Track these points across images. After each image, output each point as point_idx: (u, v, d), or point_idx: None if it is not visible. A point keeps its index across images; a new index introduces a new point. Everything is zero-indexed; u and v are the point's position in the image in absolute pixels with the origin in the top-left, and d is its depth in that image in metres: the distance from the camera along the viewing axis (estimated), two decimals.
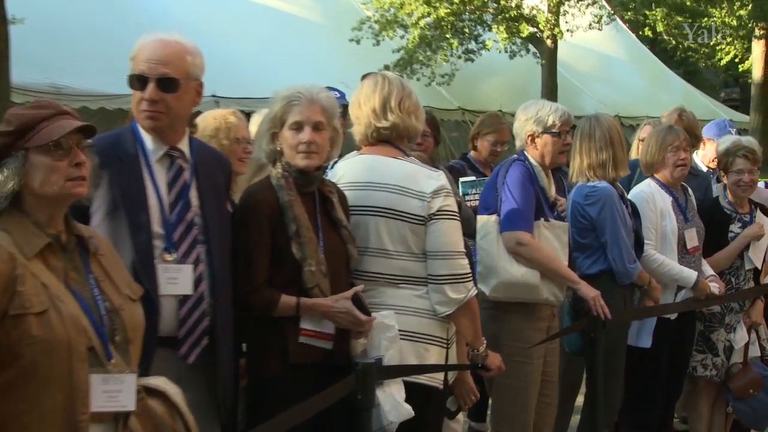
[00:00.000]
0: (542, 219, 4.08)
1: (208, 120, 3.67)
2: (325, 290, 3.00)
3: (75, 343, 2.16)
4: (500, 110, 18.66)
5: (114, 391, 2.20)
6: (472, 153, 5.72)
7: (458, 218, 3.24)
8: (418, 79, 17.07)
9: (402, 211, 3.15)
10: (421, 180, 3.17)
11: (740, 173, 4.99)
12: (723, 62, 27.70)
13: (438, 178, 3.19)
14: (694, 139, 5.39)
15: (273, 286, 3.00)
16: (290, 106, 3.08)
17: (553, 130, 4.14)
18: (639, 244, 4.56)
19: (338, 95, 3.78)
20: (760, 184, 5.65)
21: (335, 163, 3.39)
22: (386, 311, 3.06)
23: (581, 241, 4.45)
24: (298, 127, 3.07)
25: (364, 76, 3.37)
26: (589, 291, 4.18)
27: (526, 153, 4.20)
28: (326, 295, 3.00)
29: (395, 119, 3.24)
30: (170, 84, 2.84)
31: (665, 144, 4.72)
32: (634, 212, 4.59)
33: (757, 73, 24.84)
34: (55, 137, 2.24)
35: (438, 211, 3.16)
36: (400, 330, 3.14)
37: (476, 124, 5.86)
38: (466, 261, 3.24)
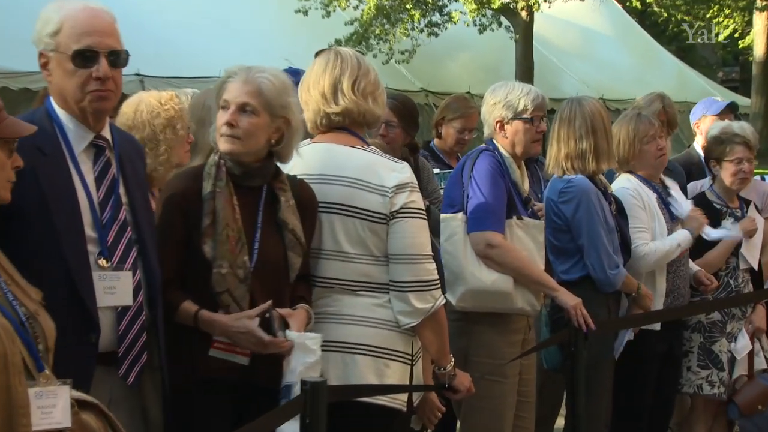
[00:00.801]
0: (515, 217, 4.11)
1: (152, 105, 3.58)
2: (238, 298, 3.01)
3: (11, 353, 2.17)
4: (468, 92, 18.71)
5: (48, 406, 2.22)
6: (435, 141, 5.75)
7: (424, 217, 3.26)
8: (374, 56, 17.10)
9: (360, 208, 3.17)
10: (382, 172, 3.17)
11: (739, 162, 5.08)
12: (721, 37, 28.18)
13: (402, 171, 3.20)
14: (670, 128, 5.50)
15: (185, 288, 3.03)
16: (225, 83, 3.11)
17: (525, 116, 4.17)
18: (626, 247, 4.61)
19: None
20: (756, 177, 5.77)
21: None
22: (314, 334, 3.06)
23: (556, 243, 4.50)
24: (224, 106, 3.08)
25: (317, 54, 3.38)
26: (569, 299, 4.21)
27: (495, 142, 4.23)
28: (240, 304, 3.00)
29: (348, 104, 3.24)
30: (118, 58, 2.83)
31: (639, 136, 4.79)
32: (620, 210, 4.64)
33: (759, 50, 25.27)
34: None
35: (402, 208, 3.16)
36: (357, 343, 3.16)
37: (440, 107, 5.89)
38: (433, 266, 3.25)
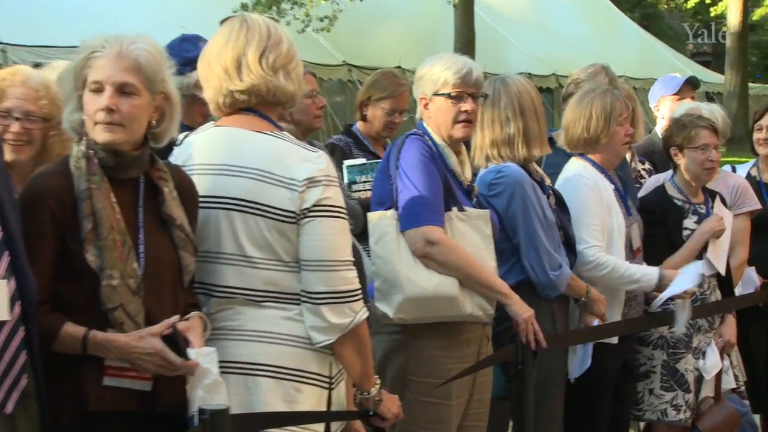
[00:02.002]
0: (455, 209, 4.12)
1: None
2: (133, 313, 2.97)
3: None
4: (399, 67, 18.74)
5: None
6: (359, 125, 5.73)
7: (344, 215, 3.24)
8: (288, 24, 17.04)
9: (265, 204, 3.17)
10: (291, 163, 3.16)
11: (705, 149, 5.16)
12: (690, 4, 28.70)
13: (315, 161, 3.18)
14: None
15: (67, 307, 2.98)
16: (92, 60, 3.05)
17: (444, 92, 4.22)
18: (570, 246, 4.65)
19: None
20: (725, 167, 5.90)
21: (186, 137, 3.36)
22: (206, 348, 3.02)
23: None
24: (97, 88, 3.05)
25: (222, 22, 3.33)
26: (522, 309, 4.21)
27: (424, 125, 4.27)
28: (135, 320, 2.97)
29: (254, 80, 3.22)
30: None
31: (615, 114, 4.82)
32: (559, 203, 4.68)
33: (733, 19, 25.85)
34: None
35: (315, 205, 3.14)
36: (261, 364, 3.15)
37: (365, 85, 5.87)
38: (353, 274, 3.22)
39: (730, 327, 5.22)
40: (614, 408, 4.92)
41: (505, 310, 4.21)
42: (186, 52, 4.20)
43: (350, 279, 3.18)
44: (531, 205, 4.41)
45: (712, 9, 29.73)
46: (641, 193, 5.33)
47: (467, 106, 4.16)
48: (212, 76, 3.26)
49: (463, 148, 4.33)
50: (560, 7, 25.78)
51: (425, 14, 20.68)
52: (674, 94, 6.05)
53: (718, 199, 5.24)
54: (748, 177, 5.82)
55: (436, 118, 4.18)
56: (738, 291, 5.48)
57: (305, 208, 3.13)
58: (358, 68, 18.15)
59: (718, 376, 5.16)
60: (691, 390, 5.03)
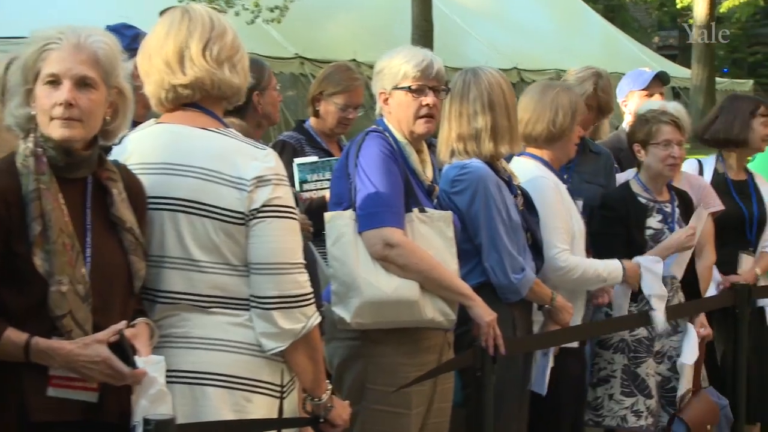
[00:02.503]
0: (416, 209, 4.11)
1: None
2: (81, 321, 2.94)
3: None
4: (354, 60, 18.75)
5: None
6: (311, 121, 5.71)
7: (295, 216, 3.24)
8: (236, 14, 17.01)
9: (211, 205, 3.15)
10: (238, 161, 3.16)
11: (668, 145, 5.22)
12: None
13: (264, 159, 3.19)
14: (602, 114, 5.65)
15: (9, 314, 2.94)
16: (46, 53, 3.03)
17: (404, 85, 4.21)
18: (537, 250, 4.65)
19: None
20: (690, 163, 5.95)
21: (124, 136, 3.34)
22: (154, 357, 3.02)
23: None
24: (54, 81, 3.04)
25: (162, 13, 3.32)
26: (484, 312, 4.23)
27: (385, 121, 4.27)
28: (84, 328, 2.95)
29: (197, 72, 3.22)
30: None
31: (579, 112, 4.89)
32: (528, 205, 4.70)
33: (700, 12, 26.10)
34: None
35: (264, 205, 3.15)
36: (209, 372, 3.14)
37: (318, 79, 5.83)
38: (305, 277, 3.23)
39: (704, 319, 5.31)
40: (576, 415, 4.97)
41: (465, 314, 4.22)
42: None
43: (302, 282, 3.19)
44: (494, 204, 4.42)
45: (678, 1, 29.97)
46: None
47: (429, 99, 4.17)
48: (153, 70, 3.25)
49: (425, 146, 4.33)
50: None
51: (381, 5, 20.68)
52: (643, 89, 6.09)
53: (700, 210, 5.26)
54: (715, 173, 5.89)
55: (397, 114, 4.19)
56: (710, 293, 5.57)
57: (254, 209, 3.13)
58: (311, 61, 18.12)
59: (698, 369, 5.22)
60: (652, 395, 5.08)
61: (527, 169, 4.83)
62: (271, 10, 17.80)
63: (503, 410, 4.48)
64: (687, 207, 5.31)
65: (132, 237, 3.07)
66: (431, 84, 4.18)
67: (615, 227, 5.11)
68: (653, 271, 4.99)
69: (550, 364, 4.73)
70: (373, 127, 4.23)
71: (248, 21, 17.17)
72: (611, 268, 4.85)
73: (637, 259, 4.98)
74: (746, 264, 5.72)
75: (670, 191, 5.28)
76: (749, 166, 6.01)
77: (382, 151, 4.09)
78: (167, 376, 3.03)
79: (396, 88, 4.17)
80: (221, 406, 3.15)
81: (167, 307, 3.17)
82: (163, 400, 2.98)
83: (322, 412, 3.34)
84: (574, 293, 4.82)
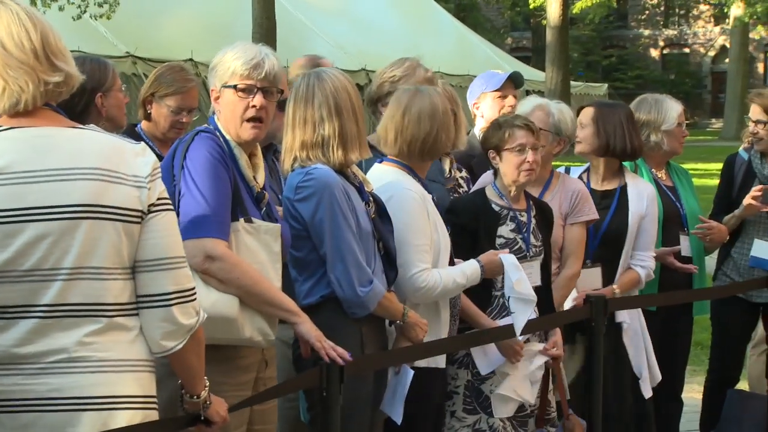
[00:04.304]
0: (242, 219, 4.07)
1: None
2: None
3: None
4: (191, 59, 18.60)
5: None
6: (143, 124, 5.62)
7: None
8: (61, 9, 16.68)
9: (113, 206, 3.14)
10: (130, 158, 3.19)
11: (522, 151, 5.28)
12: None
13: (146, 154, 3.22)
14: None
15: None
16: None
17: (231, 83, 4.14)
18: (390, 260, 4.65)
19: None
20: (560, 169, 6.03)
21: None
22: None
23: (297, 254, 4.49)
24: None
25: None
26: (311, 328, 4.24)
27: (216, 121, 4.21)
28: None
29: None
30: None
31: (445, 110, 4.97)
32: (380, 213, 4.68)
33: (553, 13, 26.71)
34: None
35: (158, 199, 3.21)
36: (122, 396, 3.15)
37: (149, 80, 5.74)
38: (189, 270, 3.31)
39: (558, 339, 5.36)
40: None
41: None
42: None
43: (190, 276, 3.27)
44: (340, 211, 4.39)
45: (531, 1, 30.62)
46: None
47: (256, 101, 4.13)
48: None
49: (258, 149, 4.29)
50: None
51: (221, 1, 20.54)
52: (496, 91, 6.17)
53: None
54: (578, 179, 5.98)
55: (225, 114, 4.14)
56: (569, 304, 5.64)
57: (151, 204, 3.19)
58: (144, 60, 17.88)
59: (562, 393, 5.31)
60: (494, 415, 5.12)
61: (390, 178, 4.84)
62: (100, 5, 17.53)
63: (352, 431, 4.47)
64: (545, 217, 5.35)
65: None
66: (261, 84, 4.14)
67: (460, 235, 5.13)
68: (514, 268, 5.01)
69: (406, 388, 4.73)
70: (204, 126, 4.18)
71: (74, 16, 16.88)
72: (469, 270, 4.86)
73: (499, 255, 4.99)
74: (590, 277, 5.81)
75: (527, 199, 5.33)
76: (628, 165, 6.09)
77: (211, 154, 4.03)
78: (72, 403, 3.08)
79: (225, 86, 4.13)
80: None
81: (51, 321, 3.12)
82: None
83: (201, 409, 3.42)
84: (436, 308, 4.85)
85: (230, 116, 4.13)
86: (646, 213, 5.82)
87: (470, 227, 5.16)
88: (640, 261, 5.82)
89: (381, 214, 4.63)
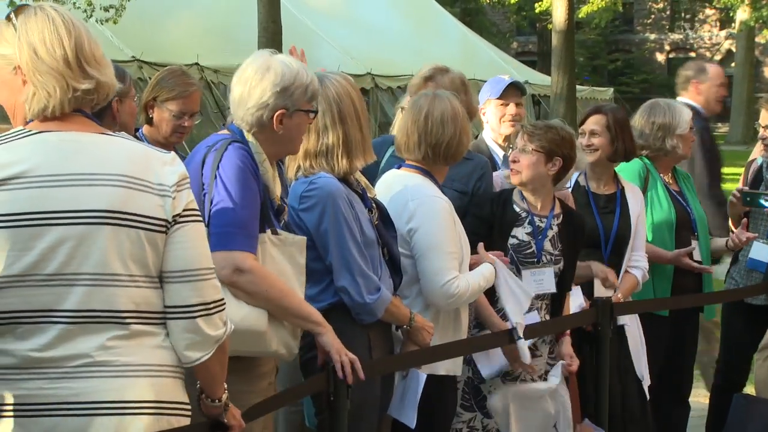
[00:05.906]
0: (269, 231, 4.07)
1: None
2: None
3: None
4: (197, 63, 18.61)
5: None
6: (145, 129, 5.62)
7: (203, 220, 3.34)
8: None
9: (136, 214, 3.14)
10: (156, 167, 3.19)
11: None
12: None
13: (175, 163, 3.22)
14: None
15: None
16: None
17: (309, 109, 4.10)
18: (394, 266, 4.64)
19: None
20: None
21: None
22: None
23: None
24: None
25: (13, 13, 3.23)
26: (333, 340, 4.19)
27: (248, 135, 4.16)
28: None
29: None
30: None
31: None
32: (383, 217, 4.67)
33: (559, 17, 26.68)
34: None
35: (184, 210, 3.20)
36: (137, 401, 3.13)
37: (151, 84, 5.74)
38: (218, 281, 3.31)
39: (567, 347, 5.34)
40: None
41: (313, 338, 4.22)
42: None
43: (218, 287, 3.28)
44: (344, 221, 4.38)
45: (537, 5, 30.58)
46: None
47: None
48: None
49: (277, 162, 4.29)
50: (375, 1, 26.08)
51: (226, 5, 20.55)
52: (498, 98, 6.16)
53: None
54: (576, 184, 5.96)
55: (288, 136, 4.13)
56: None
57: (176, 215, 3.19)
58: (150, 65, 17.85)
59: (575, 398, 5.31)
60: (492, 416, 5.10)
61: (412, 184, 4.84)
62: (106, 9, 17.54)
63: None
64: (574, 228, 5.36)
65: None
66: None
67: (478, 227, 5.16)
68: (507, 278, 5.02)
69: (418, 393, 4.71)
70: (231, 134, 4.15)
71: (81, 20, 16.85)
72: (487, 272, 4.88)
73: (496, 264, 4.99)
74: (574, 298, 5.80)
75: (552, 208, 5.32)
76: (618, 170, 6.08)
77: (244, 164, 4.03)
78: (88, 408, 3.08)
79: (300, 110, 4.10)
80: None
81: (75, 327, 3.11)
82: None
83: (220, 414, 3.45)
84: (456, 310, 4.87)
85: (296, 137, 4.16)
86: (640, 213, 5.86)
87: (488, 221, 5.20)
88: (636, 262, 5.83)
89: (384, 220, 4.63)
